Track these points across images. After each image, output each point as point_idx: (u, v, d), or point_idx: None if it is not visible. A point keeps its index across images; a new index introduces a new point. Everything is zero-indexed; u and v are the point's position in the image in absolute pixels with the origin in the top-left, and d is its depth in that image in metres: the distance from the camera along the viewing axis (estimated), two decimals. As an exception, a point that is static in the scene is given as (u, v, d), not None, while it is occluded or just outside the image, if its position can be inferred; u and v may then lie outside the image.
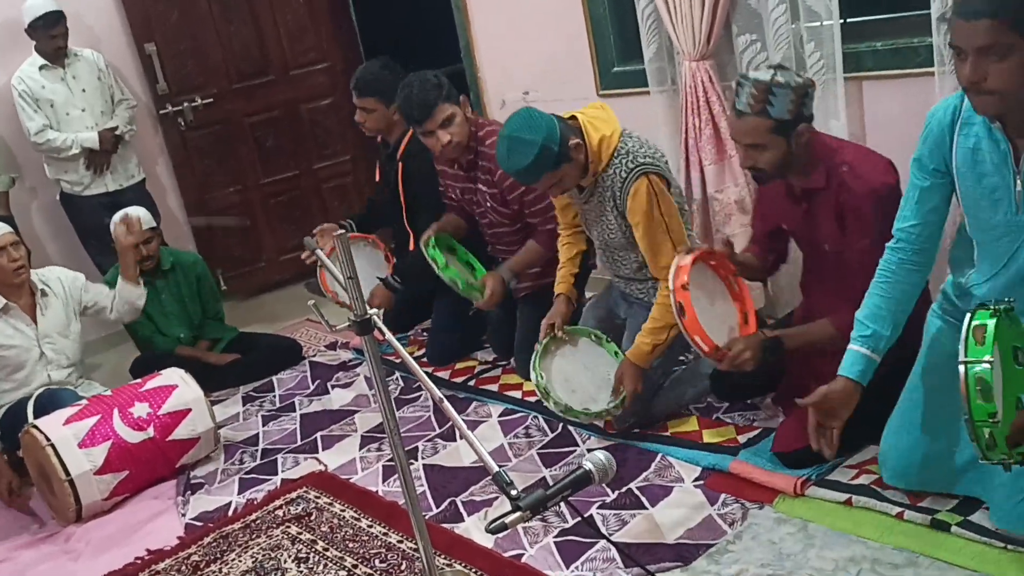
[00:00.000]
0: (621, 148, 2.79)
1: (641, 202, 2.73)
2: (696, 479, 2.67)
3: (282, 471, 3.25)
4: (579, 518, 2.54)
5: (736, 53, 3.24)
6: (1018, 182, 1.91)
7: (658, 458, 2.81)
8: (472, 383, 3.63)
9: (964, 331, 1.81)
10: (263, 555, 2.74)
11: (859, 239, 2.40)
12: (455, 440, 3.18)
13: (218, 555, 2.78)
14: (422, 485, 2.94)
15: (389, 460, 3.13)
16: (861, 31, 3.10)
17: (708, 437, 2.85)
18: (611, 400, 2.91)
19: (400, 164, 3.77)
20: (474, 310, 3.58)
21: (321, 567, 2.63)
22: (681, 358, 3.19)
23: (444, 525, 2.70)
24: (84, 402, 3.26)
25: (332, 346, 4.29)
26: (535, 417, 3.24)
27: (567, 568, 2.41)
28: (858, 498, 2.38)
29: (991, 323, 1.79)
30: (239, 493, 3.15)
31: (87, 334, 3.92)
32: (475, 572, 2.45)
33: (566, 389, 2.94)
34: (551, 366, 2.98)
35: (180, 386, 3.35)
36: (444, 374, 3.76)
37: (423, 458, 3.12)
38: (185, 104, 4.94)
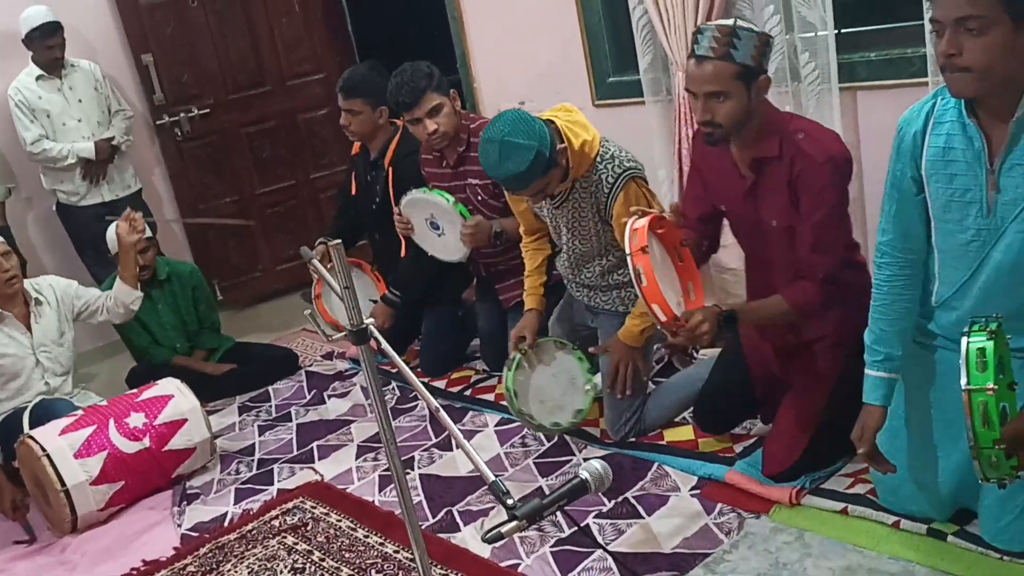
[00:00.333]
0: (604, 153, 2.78)
1: (632, 203, 2.70)
2: (692, 488, 2.67)
3: (278, 481, 3.24)
4: (576, 527, 2.54)
5: (731, 63, 3.25)
6: (991, 182, 1.83)
7: (654, 467, 2.81)
8: (468, 393, 3.63)
9: (963, 354, 1.73)
10: (259, 566, 2.73)
11: (814, 210, 2.29)
12: (451, 450, 3.18)
13: (214, 566, 2.77)
14: (418, 495, 2.94)
15: (385, 470, 3.12)
16: (855, 41, 3.12)
17: (704, 447, 2.85)
18: (577, 409, 2.97)
19: (390, 169, 3.74)
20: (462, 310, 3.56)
21: (317, 577, 2.63)
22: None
23: (440, 535, 2.69)
24: (80, 412, 3.26)
25: (328, 356, 4.29)
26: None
27: (564, 578, 2.41)
28: (854, 507, 2.38)
29: (989, 346, 1.72)
30: (235, 503, 3.14)
31: (83, 344, 3.92)
32: (471, 582, 2.45)
33: (536, 402, 2.99)
34: (521, 382, 3.00)
35: (176, 396, 3.34)
36: (440, 384, 3.76)
37: (419, 468, 3.12)
38: (182, 115, 4.95)
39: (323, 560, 2.70)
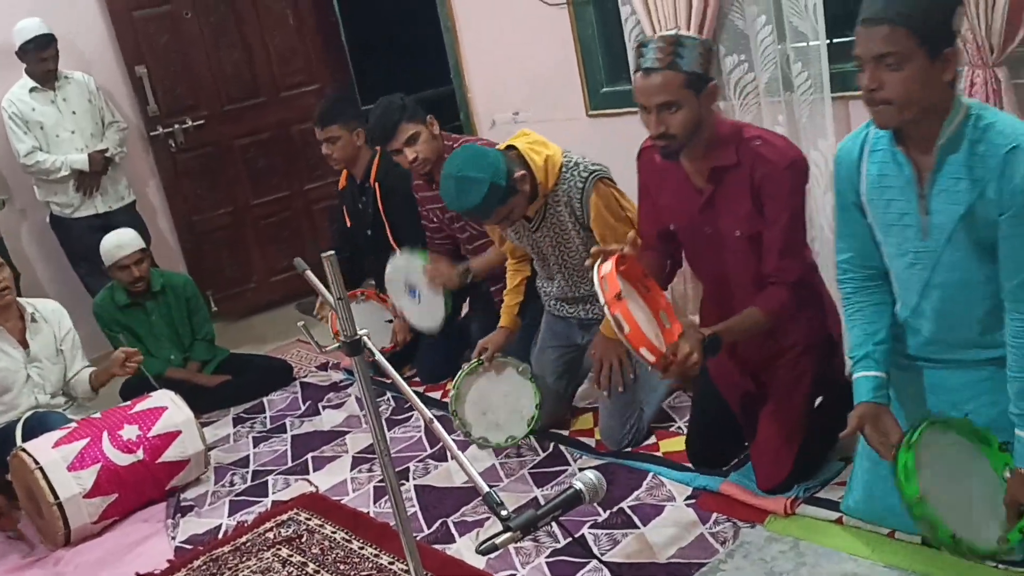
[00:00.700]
0: (568, 162, 2.86)
1: (605, 203, 2.80)
2: (687, 498, 2.67)
3: (273, 493, 3.23)
4: (571, 538, 2.54)
5: (724, 74, 3.27)
6: (923, 207, 1.89)
7: (649, 477, 2.80)
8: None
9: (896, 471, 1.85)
10: (253, 578, 2.73)
11: (780, 215, 2.29)
12: (446, 460, 3.18)
13: (208, 578, 2.77)
14: (413, 506, 2.94)
15: (380, 481, 3.12)
16: (848, 51, 3.12)
17: (699, 456, 2.85)
18: (511, 435, 3.07)
19: (376, 185, 3.82)
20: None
21: (312, 590, 2.62)
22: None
23: (435, 546, 2.69)
24: (73, 425, 3.25)
25: (323, 367, 4.29)
26: (526, 436, 3.23)
27: (559, 588, 2.41)
28: (849, 516, 2.38)
29: (909, 457, 1.85)
30: (229, 515, 3.13)
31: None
32: (467, 593, 2.44)
33: (477, 411, 3.08)
34: (471, 386, 3.10)
35: (170, 408, 3.34)
36: (435, 394, 3.75)
37: (414, 478, 3.11)
38: (176, 126, 4.95)
39: (318, 572, 2.69)
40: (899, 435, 2.00)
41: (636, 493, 2.74)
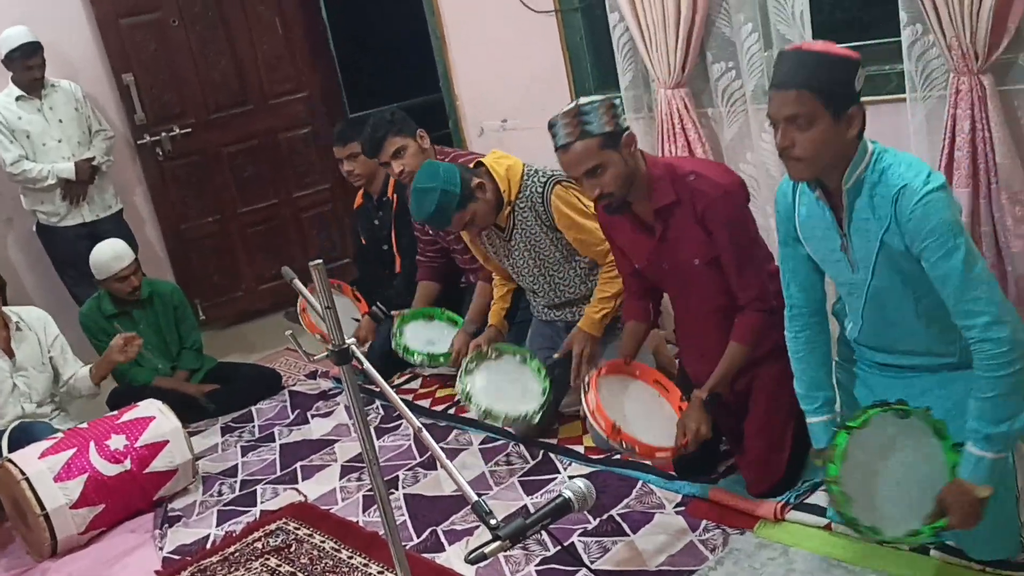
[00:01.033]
0: (528, 170, 3.10)
1: (566, 202, 3.01)
2: (677, 505, 2.67)
3: (261, 502, 3.22)
4: (560, 546, 2.53)
5: (711, 81, 3.28)
6: (845, 244, 2.03)
7: (639, 485, 2.80)
8: (452, 411, 3.61)
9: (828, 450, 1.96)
10: (242, 588, 2.71)
11: (729, 239, 2.43)
12: (436, 469, 3.17)
13: (196, 589, 2.75)
14: (403, 514, 2.93)
15: (369, 490, 3.11)
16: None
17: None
18: (535, 408, 3.03)
19: (395, 197, 3.92)
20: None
21: (301, 600, 2.61)
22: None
23: (425, 555, 2.68)
24: (60, 435, 3.23)
25: (312, 375, 4.27)
26: (516, 445, 3.23)
27: (549, 597, 2.40)
28: (838, 523, 2.38)
29: (843, 439, 1.95)
30: (217, 525, 3.12)
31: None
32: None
33: (489, 394, 3.10)
34: (476, 375, 3.16)
35: (157, 417, 3.32)
36: (425, 403, 3.74)
37: (404, 487, 3.10)
38: (163, 134, 4.94)
39: (306, 582, 2.68)
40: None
41: (626, 501, 2.74)
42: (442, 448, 3.24)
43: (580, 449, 3.09)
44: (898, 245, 1.94)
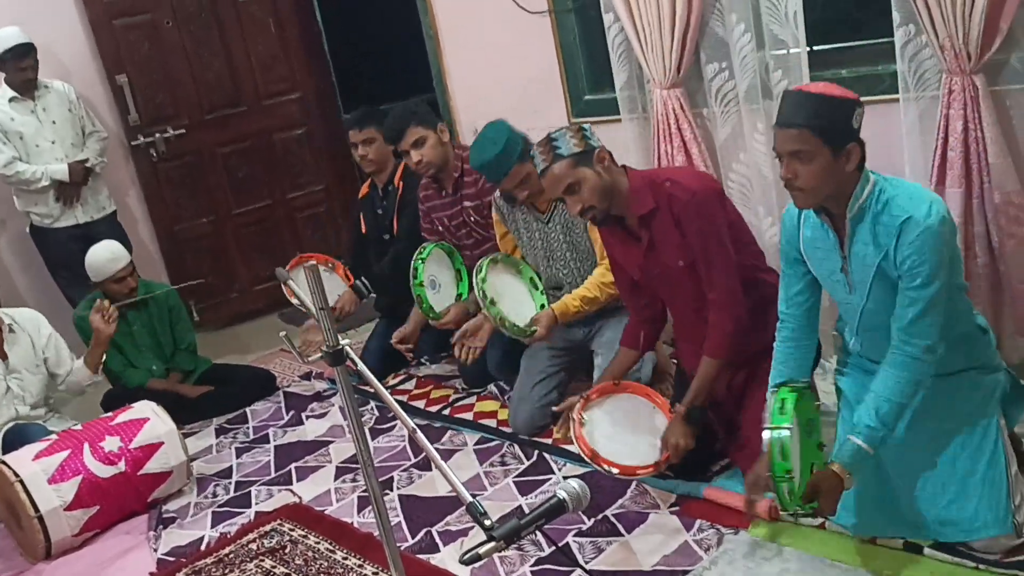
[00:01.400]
0: None
1: None
2: (671, 505, 2.67)
3: (256, 504, 3.22)
4: (555, 547, 2.53)
5: (705, 81, 3.29)
6: (845, 267, 2.19)
7: (633, 485, 2.80)
8: (447, 412, 3.61)
9: (769, 403, 2.13)
10: (236, 590, 2.71)
11: (696, 240, 2.55)
12: (430, 470, 3.17)
13: (191, 591, 2.75)
14: (397, 515, 2.92)
15: (364, 491, 3.11)
16: (827, 59, 3.15)
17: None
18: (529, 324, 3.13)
19: (400, 185, 3.94)
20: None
21: (295, 601, 2.61)
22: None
23: (420, 556, 2.68)
24: (54, 437, 3.22)
25: (307, 376, 4.27)
26: (511, 445, 3.23)
27: (544, 597, 2.40)
28: (831, 523, 2.38)
29: (791, 398, 2.17)
30: (212, 527, 3.11)
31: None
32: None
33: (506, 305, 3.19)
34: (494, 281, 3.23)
35: (152, 419, 3.31)
36: (419, 403, 3.74)
37: (398, 488, 3.10)
38: (157, 135, 4.93)
39: (301, 583, 2.68)
40: None
41: (620, 501, 2.74)
42: (437, 449, 3.24)
43: (575, 449, 3.09)
44: (892, 272, 2.09)
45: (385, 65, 6.32)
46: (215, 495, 3.34)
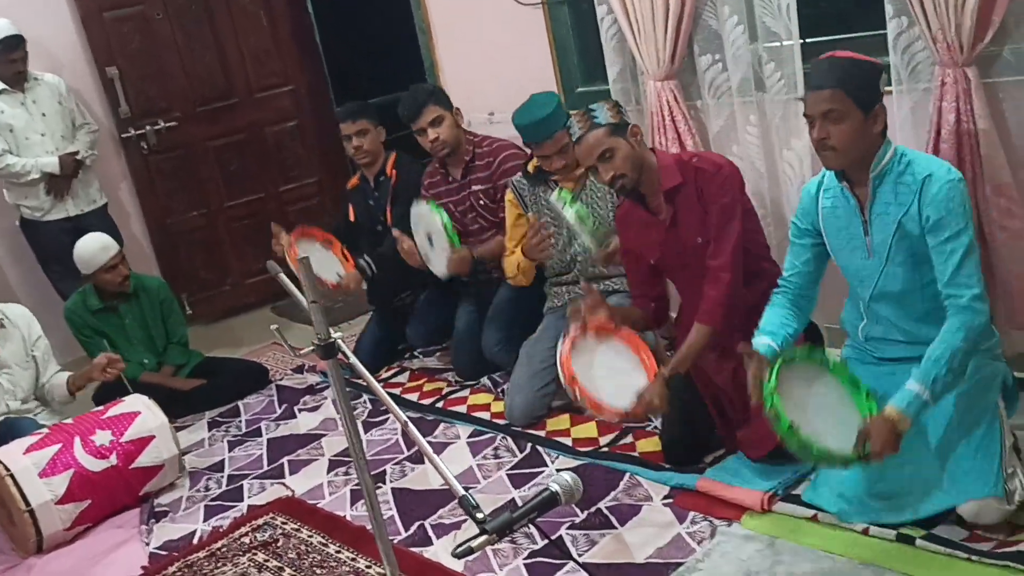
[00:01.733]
0: None
1: None
2: (664, 497, 2.67)
3: (248, 497, 3.21)
4: (548, 540, 2.53)
5: (699, 73, 3.28)
6: (866, 229, 2.30)
7: (626, 477, 2.81)
8: (440, 404, 3.61)
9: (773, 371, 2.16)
10: (229, 583, 2.70)
11: (730, 217, 2.63)
12: (423, 463, 3.16)
13: (183, 584, 2.74)
14: (390, 509, 2.92)
15: (357, 484, 3.10)
16: (820, 51, 3.12)
17: (676, 455, 2.85)
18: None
19: (394, 172, 3.95)
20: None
21: (288, 594, 2.60)
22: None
23: (413, 549, 2.68)
24: (45, 430, 3.21)
25: (299, 369, 4.26)
26: (503, 438, 3.23)
27: (537, 590, 2.40)
28: (824, 514, 2.39)
29: (776, 367, 2.18)
30: (204, 520, 3.11)
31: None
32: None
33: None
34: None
35: (143, 413, 3.30)
36: (412, 396, 3.74)
37: (391, 481, 3.10)
38: (148, 128, 4.91)
39: (294, 577, 2.67)
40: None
41: (613, 493, 2.74)
42: (430, 442, 3.26)
43: (568, 442, 3.10)
44: (913, 229, 2.20)
45: (377, 58, 6.30)
46: (207, 489, 3.33)
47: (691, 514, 2.56)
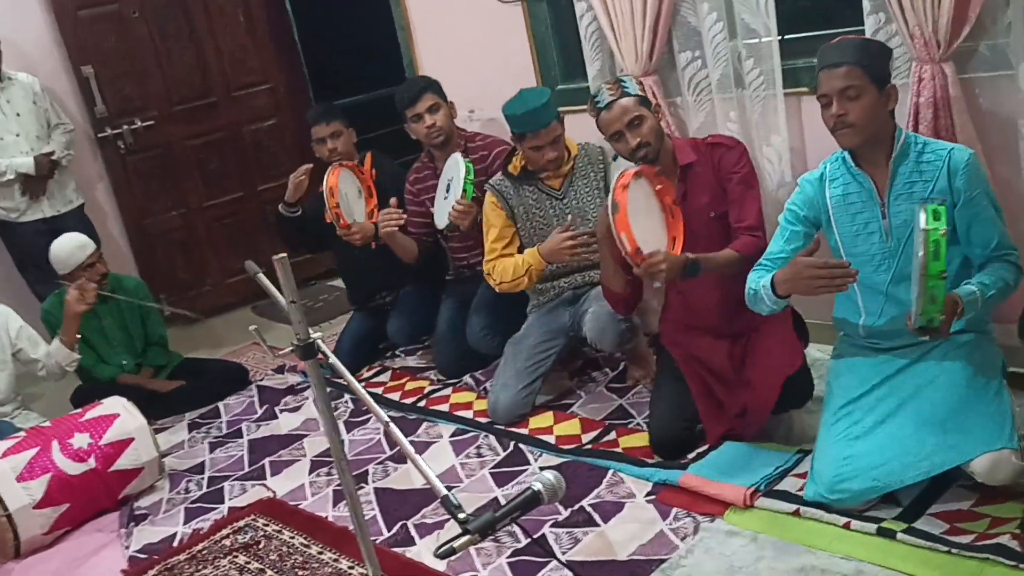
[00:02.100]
0: (576, 142, 3.35)
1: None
2: (648, 494, 2.67)
3: (229, 499, 3.19)
4: (531, 539, 2.53)
5: (678, 69, 3.28)
6: (884, 212, 2.34)
7: (609, 474, 2.81)
8: (423, 404, 3.60)
9: (922, 211, 2.07)
10: (210, 586, 2.68)
11: (739, 180, 2.73)
12: (406, 462, 3.15)
13: (164, 588, 2.72)
14: (373, 509, 2.91)
15: (339, 485, 3.08)
16: (799, 48, 3.15)
17: (658, 452, 2.86)
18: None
19: (374, 172, 3.93)
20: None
21: (270, 596, 2.59)
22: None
23: (395, 549, 2.67)
24: (22, 434, 3.18)
25: (280, 370, 4.23)
26: (486, 437, 3.23)
27: (520, 588, 2.40)
28: (806, 508, 2.40)
29: (942, 208, 2.08)
30: (185, 523, 3.08)
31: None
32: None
33: None
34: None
35: (122, 415, 3.27)
36: (394, 395, 3.73)
37: (374, 481, 3.09)
38: (125, 127, 4.87)
39: (276, 578, 2.65)
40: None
41: (596, 491, 2.74)
42: (412, 442, 3.26)
43: (551, 440, 3.09)
44: (947, 202, 2.20)
45: (357, 56, 6.27)
46: (188, 491, 3.31)
47: (674, 510, 2.56)
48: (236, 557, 2.80)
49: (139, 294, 4.09)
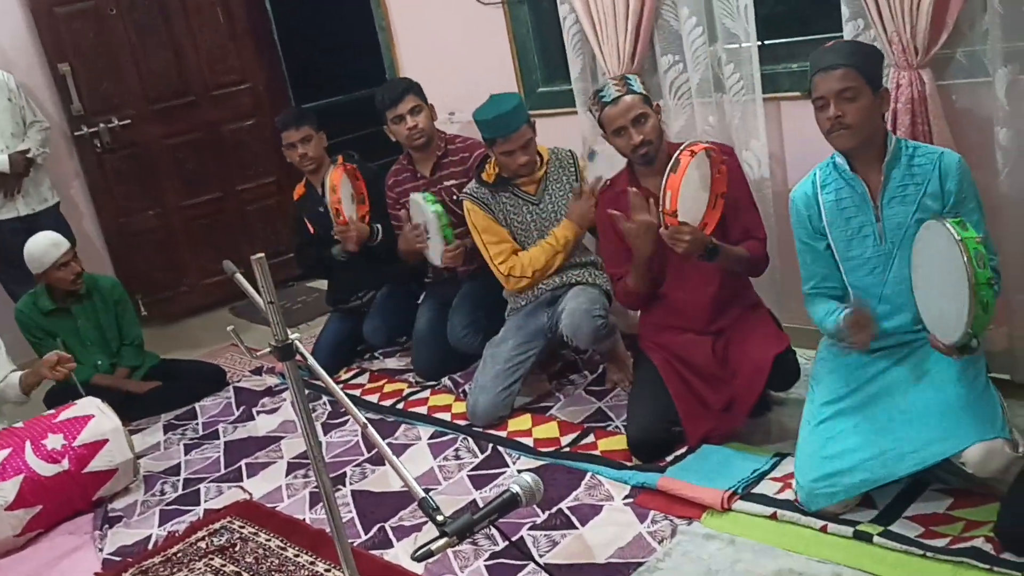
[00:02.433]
0: (546, 147, 3.36)
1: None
2: (626, 497, 2.67)
3: (205, 501, 3.16)
4: (508, 541, 2.52)
5: (660, 73, 3.29)
6: (877, 215, 2.36)
7: (587, 477, 2.81)
8: (401, 406, 3.59)
9: (941, 224, 2.10)
10: (185, 589, 2.66)
11: (745, 188, 2.82)
12: (384, 464, 3.14)
13: (138, 591, 2.69)
14: (350, 511, 2.89)
15: (316, 486, 3.06)
16: (778, 53, 3.17)
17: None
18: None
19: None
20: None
21: (246, 599, 2.57)
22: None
23: (373, 552, 2.65)
24: (-6, 435, 3.14)
25: (257, 371, 4.21)
26: (464, 439, 3.22)
27: (498, 591, 2.39)
28: (783, 512, 2.41)
29: (960, 219, 2.12)
30: (160, 525, 3.06)
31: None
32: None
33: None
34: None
35: (96, 416, 3.24)
36: (372, 397, 3.71)
37: (351, 483, 3.07)
38: (101, 125, 4.83)
39: (252, 581, 2.63)
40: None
41: (575, 493, 2.74)
42: (390, 444, 3.25)
43: (529, 442, 3.09)
44: (934, 205, 2.29)
45: (336, 56, 6.25)
46: (163, 493, 3.28)
47: (652, 513, 2.57)
48: (212, 560, 2.77)
49: (115, 293, 4.05)
